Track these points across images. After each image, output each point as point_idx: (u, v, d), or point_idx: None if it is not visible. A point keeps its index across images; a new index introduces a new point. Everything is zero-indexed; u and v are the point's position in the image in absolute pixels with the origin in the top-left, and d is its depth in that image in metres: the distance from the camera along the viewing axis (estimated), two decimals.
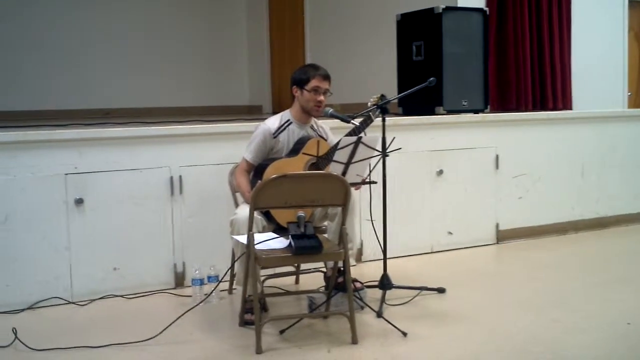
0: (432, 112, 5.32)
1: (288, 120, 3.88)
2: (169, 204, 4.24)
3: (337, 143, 3.62)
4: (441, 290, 4.07)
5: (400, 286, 3.97)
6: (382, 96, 3.85)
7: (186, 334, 3.42)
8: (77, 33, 8.44)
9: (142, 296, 4.11)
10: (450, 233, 5.20)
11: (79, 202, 4.00)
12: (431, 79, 4.02)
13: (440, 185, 5.14)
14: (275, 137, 3.82)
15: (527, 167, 5.56)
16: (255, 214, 3.30)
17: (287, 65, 8.45)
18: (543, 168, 5.64)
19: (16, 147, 3.89)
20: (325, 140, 3.94)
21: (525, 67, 6.35)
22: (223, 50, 9.48)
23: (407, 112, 5.55)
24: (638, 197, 6.17)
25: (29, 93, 8.05)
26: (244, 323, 3.51)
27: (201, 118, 5.63)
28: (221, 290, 4.03)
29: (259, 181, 3.49)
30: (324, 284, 4.01)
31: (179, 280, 4.28)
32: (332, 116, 3.87)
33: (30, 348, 3.21)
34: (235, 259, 3.64)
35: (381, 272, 3.92)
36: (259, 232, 3.47)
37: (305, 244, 3.21)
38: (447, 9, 5.38)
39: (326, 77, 3.81)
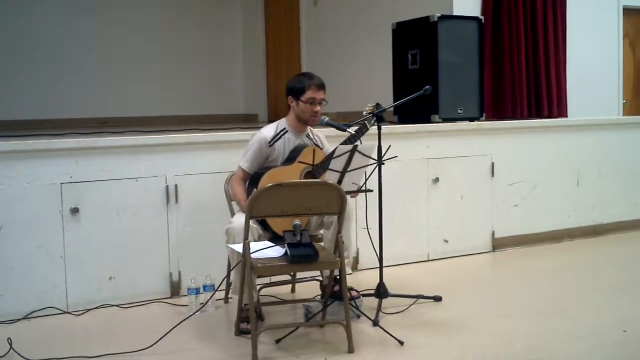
0: (427, 120, 5.33)
1: (284, 128, 3.88)
2: (164, 212, 4.23)
3: (333, 151, 3.62)
4: (437, 299, 4.07)
5: (396, 294, 3.97)
6: (378, 104, 3.86)
7: (182, 343, 3.41)
8: (73, 42, 8.46)
9: (138, 305, 4.10)
10: (446, 241, 5.20)
11: (75, 211, 3.99)
12: (427, 87, 4.04)
13: (436, 193, 5.15)
14: (271, 146, 3.82)
15: (523, 174, 5.57)
16: (251, 222, 3.29)
17: (283, 74, 8.48)
18: (539, 176, 5.65)
19: (12, 156, 3.88)
20: (321, 148, 3.95)
21: (520, 75, 6.36)
22: (219, 59, 9.50)
23: (402, 120, 5.56)
24: (633, 204, 6.18)
25: (25, 102, 8.06)
26: (240, 332, 3.50)
27: (197, 127, 5.63)
28: (217, 300, 4.01)
29: (255, 190, 3.49)
30: (320, 292, 4.00)
31: (175, 289, 4.27)
32: (327, 125, 3.87)
33: (25, 358, 3.20)
34: (231, 267, 3.64)
35: (377, 280, 3.91)
36: (255, 240, 3.47)
37: (301, 253, 3.21)
38: (443, 17, 5.40)
39: (321, 87, 3.82)
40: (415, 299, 4.00)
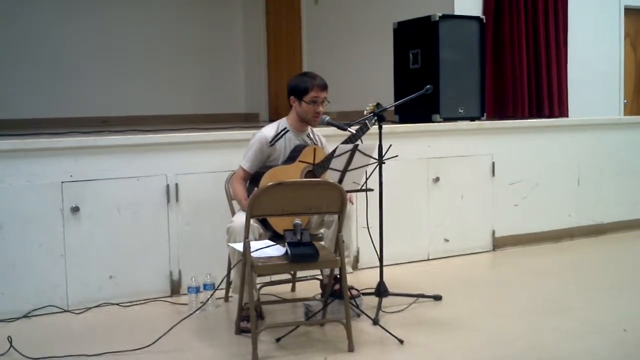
0: (428, 120, 5.33)
1: (285, 128, 3.88)
2: (165, 211, 4.24)
3: (334, 151, 3.62)
4: (437, 298, 4.07)
5: (396, 293, 3.97)
6: (379, 104, 3.86)
7: (182, 342, 3.41)
8: (74, 41, 8.44)
9: (138, 304, 4.10)
10: (446, 240, 5.20)
11: (75, 210, 3.99)
12: (428, 86, 4.04)
13: (437, 193, 5.14)
14: (272, 145, 3.82)
15: (524, 174, 5.56)
16: (252, 221, 3.29)
17: (284, 73, 8.47)
18: (539, 175, 5.65)
19: (13, 155, 3.88)
20: (321, 149, 3.95)
21: (521, 74, 6.36)
22: (220, 58, 9.49)
23: (403, 120, 5.56)
24: (634, 204, 6.18)
25: (26, 101, 8.05)
26: (240, 331, 3.50)
27: (198, 126, 5.63)
28: (217, 298, 4.01)
29: (256, 189, 3.49)
30: (320, 291, 4.00)
31: (175, 288, 4.28)
32: (328, 124, 3.88)
33: (25, 357, 3.20)
34: (232, 266, 3.64)
35: (377, 279, 3.92)
36: (256, 239, 3.47)
37: (302, 252, 3.21)
38: (444, 17, 5.40)
39: (324, 87, 3.81)
40: (416, 298, 4.00)
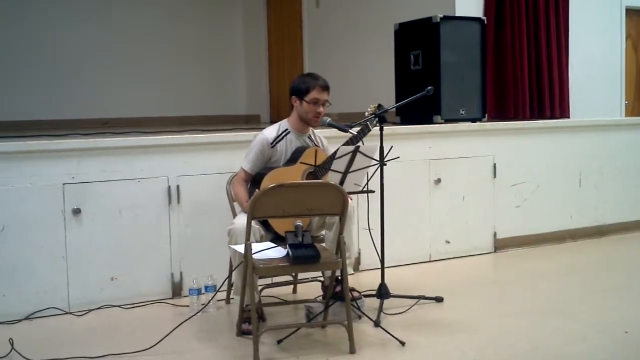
0: (429, 121, 5.32)
1: (286, 129, 3.88)
2: (166, 213, 4.24)
3: (335, 152, 3.62)
4: (439, 300, 4.06)
5: (398, 295, 3.97)
6: (380, 105, 3.86)
7: (184, 344, 3.41)
8: (75, 43, 8.46)
9: (140, 306, 4.10)
10: (448, 242, 5.19)
11: (77, 211, 3.99)
12: (429, 88, 4.04)
13: (438, 194, 5.14)
14: (273, 147, 3.82)
15: (525, 175, 5.56)
16: (253, 223, 3.30)
17: (285, 75, 8.48)
18: (541, 176, 5.64)
19: (14, 157, 3.89)
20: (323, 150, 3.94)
21: (522, 75, 6.36)
22: (221, 60, 9.50)
23: (404, 121, 5.56)
24: (636, 205, 6.17)
25: (27, 103, 8.05)
26: (242, 333, 3.50)
27: (199, 127, 5.63)
28: (218, 300, 4.01)
29: (257, 190, 3.49)
30: (321, 293, 4.00)
31: (177, 290, 4.27)
32: (329, 125, 3.88)
33: (27, 359, 3.20)
34: (233, 268, 3.64)
35: (379, 281, 3.91)
36: (257, 241, 3.48)
37: (303, 254, 3.21)
38: (445, 18, 5.40)
39: (325, 88, 3.82)
40: (417, 300, 4.00)
